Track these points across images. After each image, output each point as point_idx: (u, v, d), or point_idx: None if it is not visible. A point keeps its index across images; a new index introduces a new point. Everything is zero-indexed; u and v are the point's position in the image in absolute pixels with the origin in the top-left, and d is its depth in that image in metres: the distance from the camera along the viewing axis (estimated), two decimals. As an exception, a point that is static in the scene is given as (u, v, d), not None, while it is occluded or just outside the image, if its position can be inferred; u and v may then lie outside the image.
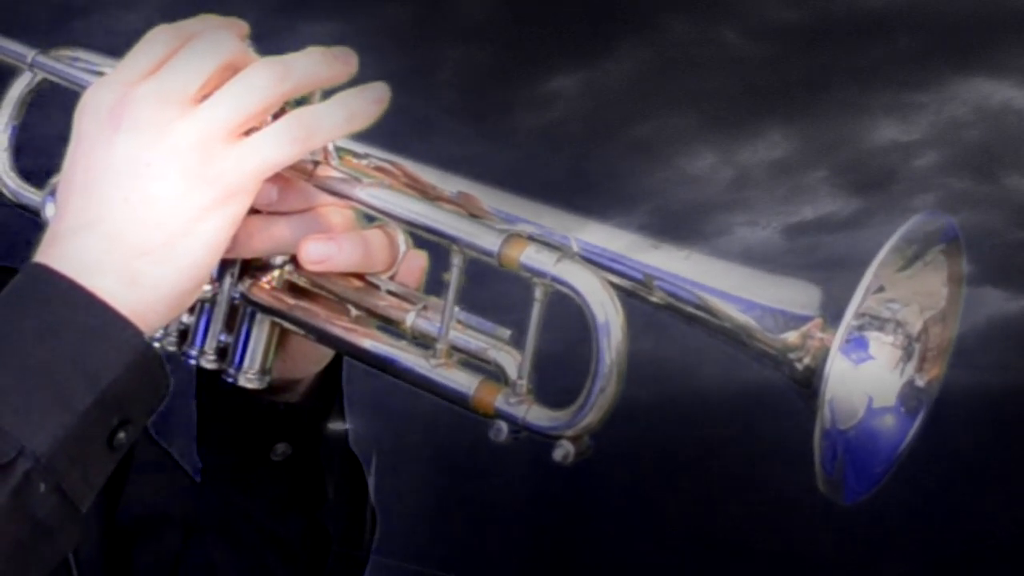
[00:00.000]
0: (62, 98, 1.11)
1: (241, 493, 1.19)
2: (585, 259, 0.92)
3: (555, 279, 0.89)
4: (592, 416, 0.89)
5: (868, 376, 0.87)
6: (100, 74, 1.07)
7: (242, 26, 0.97)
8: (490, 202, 0.97)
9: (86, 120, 0.94)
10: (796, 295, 0.86)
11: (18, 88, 1.15)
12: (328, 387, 1.15)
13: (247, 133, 0.93)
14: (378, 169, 1.00)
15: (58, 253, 0.91)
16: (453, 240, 0.94)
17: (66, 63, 1.10)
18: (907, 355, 0.89)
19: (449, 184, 0.99)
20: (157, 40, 0.95)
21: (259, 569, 1.20)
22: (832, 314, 0.83)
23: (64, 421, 0.86)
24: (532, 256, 0.90)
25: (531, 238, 0.92)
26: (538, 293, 0.90)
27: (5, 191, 1.15)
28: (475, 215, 0.97)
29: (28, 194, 1.14)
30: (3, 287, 1.27)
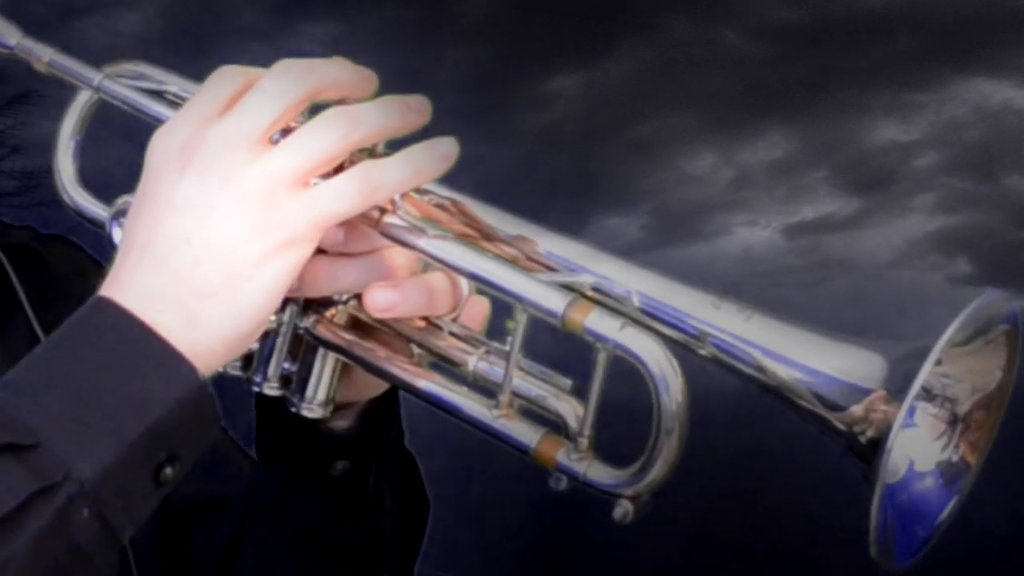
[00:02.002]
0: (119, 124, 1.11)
1: (299, 501, 1.20)
2: (645, 313, 0.92)
3: (618, 346, 0.90)
4: (651, 477, 0.91)
5: (910, 441, 0.88)
6: (160, 93, 1.09)
7: (370, 78, 0.97)
8: (547, 246, 0.98)
9: (157, 156, 0.96)
10: (859, 364, 0.87)
11: (80, 103, 1.16)
12: (385, 408, 1.16)
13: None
14: (438, 206, 1.01)
15: (121, 286, 0.93)
16: (518, 299, 0.95)
17: (128, 86, 1.11)
18: (950, 430, 0.90)
19: (507, 225, 0.99)
20: (230, 75, 0.96)
21: (316, 564, 1.22)
22: (894, 386, 0.84)
23: (112, 449, 0.88)
24: (596, 322, 0.91)
25: (594, 289, 0.93)
26: (601, 358, 0.91)
27: (68, 202, 1.17)
28: (532, 259, 0.98)
29: (92, 207, 1.15)
30: (58, 256, 1.27)
